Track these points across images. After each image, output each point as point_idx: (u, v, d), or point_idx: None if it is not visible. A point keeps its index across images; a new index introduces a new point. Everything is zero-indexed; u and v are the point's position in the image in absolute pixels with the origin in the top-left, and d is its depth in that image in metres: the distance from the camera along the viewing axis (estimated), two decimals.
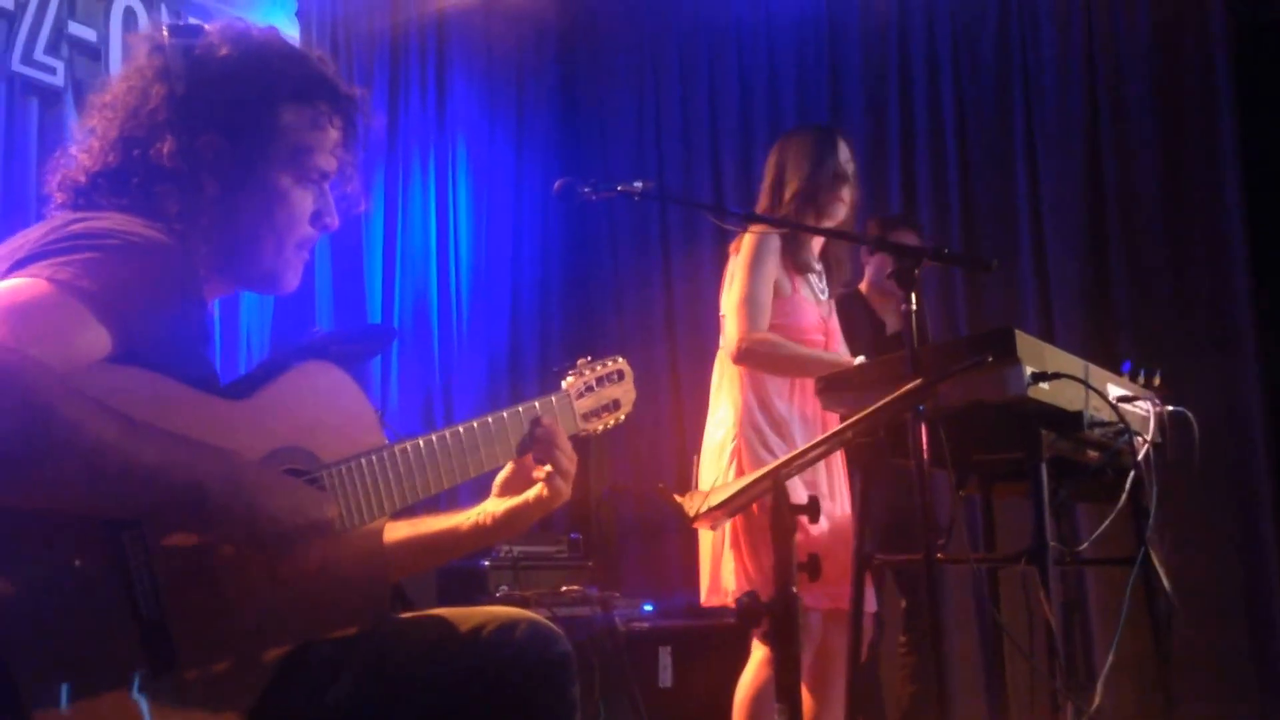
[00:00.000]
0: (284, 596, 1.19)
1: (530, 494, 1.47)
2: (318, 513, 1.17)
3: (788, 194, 2.78)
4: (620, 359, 1.62)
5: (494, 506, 1.50)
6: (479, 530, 1.49)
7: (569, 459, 1.47)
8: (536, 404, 1.48)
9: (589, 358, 1.60)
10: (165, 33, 1.34)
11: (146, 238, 1.20)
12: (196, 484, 1.07)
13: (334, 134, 1.38)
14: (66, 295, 1.10)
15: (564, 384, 1.55)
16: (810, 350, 2.71)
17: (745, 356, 2.68)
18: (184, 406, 1.14)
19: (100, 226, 1.19)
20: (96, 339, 1.11)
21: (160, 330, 1.17)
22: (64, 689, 1.04)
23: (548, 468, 1.46)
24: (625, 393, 1.61)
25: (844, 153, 2.82)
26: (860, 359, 2.63)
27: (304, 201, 1.36)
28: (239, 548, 1.14)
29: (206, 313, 1.29)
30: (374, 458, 1.30)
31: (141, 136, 1.30)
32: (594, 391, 1.57)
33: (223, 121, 1.30)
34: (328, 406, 1.29)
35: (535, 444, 1.45)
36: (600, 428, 1.58)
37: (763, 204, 2.86)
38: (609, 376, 1.59)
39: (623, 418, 1.61)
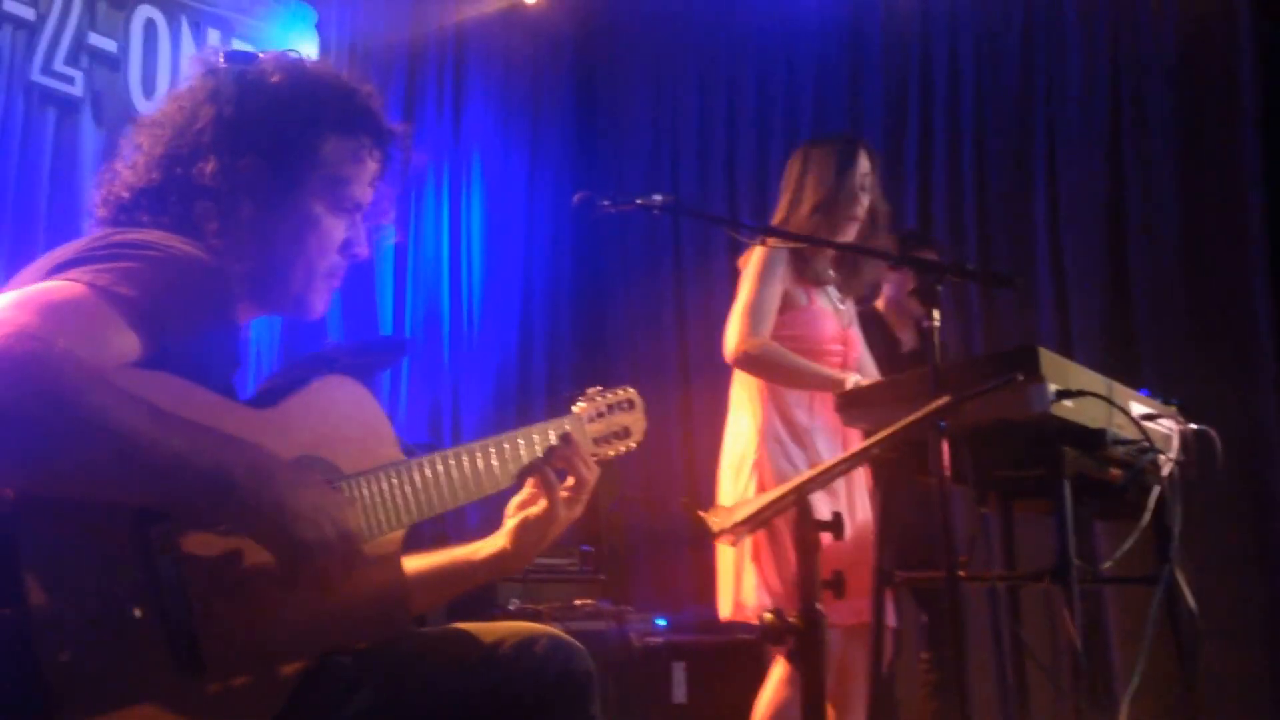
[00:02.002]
0: (305, 606, 1.19)
1: (536, 509, 1.48)
2: (343, 519, 1.17)
3: (805, 207, 2.77)
4: (630, 389, 1.65)
5: (508, 527, 1.51)
6: (499, 556, 1.50)
7: (589, 470, 1.49)
8: (550, 425, 1.50)
9: (599, 387, 1.63)
10: (221, 57, 1.38)
11: (188, 254, 1.22)
12: (223, 473, 1.07)
13: (373, 166, 1.41)
14: (102, 299, 1.11)
15: (575, 409, 1.58)
16: (809, 364, 2.69)
17: (742, 360, 2.69)
18: (209, 411, 1.14)
19: (142, 238, 1.21)
20: (127, 344, 1.12)
21: (192, 344, 1.18)
22: (91, 690, 1.04)
23: (566, 484, 1.47)
24: (635, 421, 1.64)
25: (864, 165, 2.81)
26: (855, 377, 2.62)
27: (335, 230, 1.39)
28: (264, 543, 1.13)
29: (238, 334, 1.30)
30: (392, 471, 1.31)
31: (185, 155, 1.32)
32: (604, 418, 1.60)
33: (264, 146, 1.33)
34: (348, 419, 1.31)
35: (555, 456, 1.47)
36: (611, 453, 1.60)
37: (780, 215, 2.85)
38: (619, 405, 1.62)
39: (634, 445, 1.63)
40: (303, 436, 1.25)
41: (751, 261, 2.75)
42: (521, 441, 1.46)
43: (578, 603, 3.67)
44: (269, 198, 1.33)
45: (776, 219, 2.85)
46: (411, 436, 4.27)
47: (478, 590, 3.54)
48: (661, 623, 3.82)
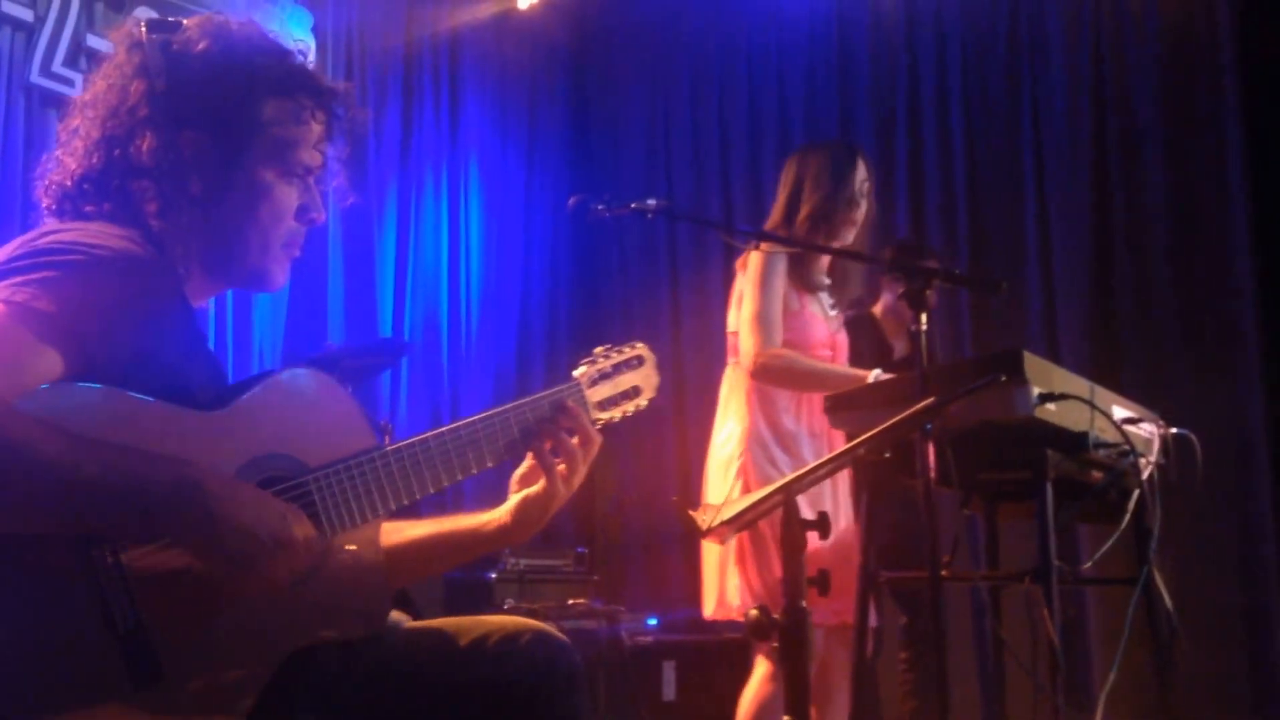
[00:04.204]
0: (275, 602, 1.17)
1: (535, 488, 1.43)
2: (281, 527, 1.13)
3: (803, 213, 2.80)
4: (640, 345, 1.56)
5: (511, 503, 1.45)
6: (503, 530, 1.45)
7: (586, 442, 1.42)
8: (545, 396, 1.42)
9: (606, 346, 1.54)
10: (143, 29, 1.31)
11: (115, 250, 1.18)
12: (145, 493, 1.05)
13: (316, 128, 1.36)
14: (15, 318, 1.09)
15: (575, 373, 1.49)
16: (825, 365, 2.74)
17: (762, 372, 2.70)
18: (145, 421, 1.11)
19: (66, 240, 1.17)
20: (47, 362, 1.10)
21: (130, 343, 1.15)
22: (51, 713, 1.04)
23: (559, 461, 1.42)
24: (646, 378, 1.55)
25: (861, 172, 2.84)
26: (877, 371, 2.64)
27: (289, 197, 1.34)
28: (198, 557, 1.11)
29: (193, 315, 1.27)
30: (364, 461, 1.26)
31: (122, 135, 1.28)
32: (610, 378, 1.51)
33: (204, 117, 1.28)
34: (312, 412, 1.26)
35: (545, 432, 1.40)
36: (619, 415, 1.51)
37: (776, 219, 2.87)
38: (627, 363, 1.53)
39: (644, 404, 1.55)
40: (261, 433, 1.20)
41: (751, 268, 2.78)
42: (513, 416, 1.39)
43: (570, 602, 3.70)
44: (215, 170, 1.28)
45: (772, 222, 2.87)
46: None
47: (473, 588, 3.58)
48: (653, 622, 3.85)
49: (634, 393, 1.54)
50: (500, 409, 1.39)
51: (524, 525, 1.44)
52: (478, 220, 4.98)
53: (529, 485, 1.45)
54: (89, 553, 1.07)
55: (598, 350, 1.53)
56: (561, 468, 1.42)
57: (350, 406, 1.31)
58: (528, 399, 1.41)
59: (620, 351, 1.54)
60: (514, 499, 1.45)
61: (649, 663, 3.63)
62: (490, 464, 1.37)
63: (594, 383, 1.49)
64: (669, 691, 3.62)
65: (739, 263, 2.89)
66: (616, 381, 1.52)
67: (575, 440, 1.41)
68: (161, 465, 1.08)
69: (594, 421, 1.46)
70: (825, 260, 2.86)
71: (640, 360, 1.55)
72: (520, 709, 1.29)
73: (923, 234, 4.43)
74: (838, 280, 2.91)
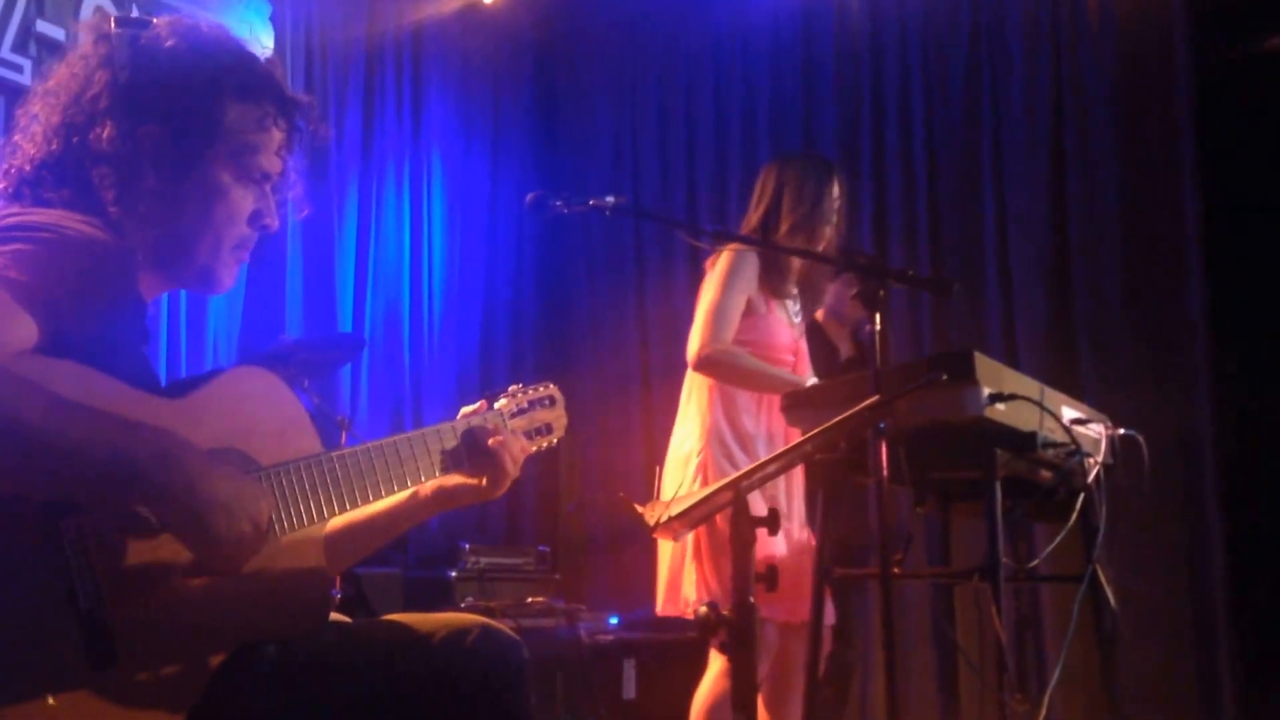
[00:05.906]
0: (223, 595, 1.18)
1: (454, 480, 1.47)
2: (256, 509, 1.14)
3: (784, 228, 2.81)
4: (552, 385, 1.63)
5: (428, 485, 1.47)
6: (418, 502, 1.48)
7: (514, 462, 1.47)
8: (472, 420, 1.48)
9: (521, 384, 1.61)
10: (112, 23, 1.33)
11: (82, 233, 1.19)
12: (127, 459, 1.05)
13: (278, 135, 1.37)
14: None
15: (497, 405, 1.55)
16: (769, 368, 2.75)
17: (704, 364, 2.72)
18: (116, 400, 1.12)
19: (34, 220, 1.18)
20: (22, 329, 1.10)
21: (92, 326, 1.16)
22: (3, 685, 1.03)
23: (482, 479, 1.46)
24: (557, 418, 1.62)
25: (835, 189, 2.87)
26: (813, 380, 2.67)
27: (244, 200, 1.35)
28: (175, 531, 1.11)
29: (144, 312, 1.28)
30: (312, 463, 1.29)
31: (82, 122, 1.29)
32: (526, 414, 1.58)
33: (165, 112, 1.29)
34: (262, 411, 1.29)
35: (471, 456, 1.45)
36: (533, 449, 1.58)
37: (752, 224, 2.88)
38: (541, 401, 1.60)
39: (555, 441, 1.61)
40: (215, 428, 1.22)
41: (719, 266, 2.79)
42: (446, 434, 1.44)
43: (530, 600, 3.69)
44: (172, 166, 1.29)
45: (748, 226, 2.88)
46: (372, 435, 4.24)
47: (432, 586, 3.55)
48: (614, 621, 3.85)
49: (546, 430, 1.61)
50: (434, 427, 1.45)
51: (439, 505, 1.48)
52: (440, 217, 4.95)
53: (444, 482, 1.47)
54: (57, 524, 1.06)
55: (513, 387, 1.60)
56: (484, 483, 1.47)
57: (296, 407, 1.33)
58: (459, 420, 1.48)
59: (535, 390, 1.61)
60: (440, 483, 1.47)
61: (609, 661, 3.63)
62: (425, 478, 1.42)
63: (514, 415, 1.56)
64: (629, 690, 3.62)
65: (708, 262, 2.90)
66: (532, 417, 1.59)
67: (508, 463, 1.46)
68: (145, 434, 1.08)
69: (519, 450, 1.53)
70: (795, 270, 2.87)
71: (553, 400, 1.62)
72: (467, 704, 1.28)
73: (884, 235, 4.48)
74: (804, 290, 2.94)
